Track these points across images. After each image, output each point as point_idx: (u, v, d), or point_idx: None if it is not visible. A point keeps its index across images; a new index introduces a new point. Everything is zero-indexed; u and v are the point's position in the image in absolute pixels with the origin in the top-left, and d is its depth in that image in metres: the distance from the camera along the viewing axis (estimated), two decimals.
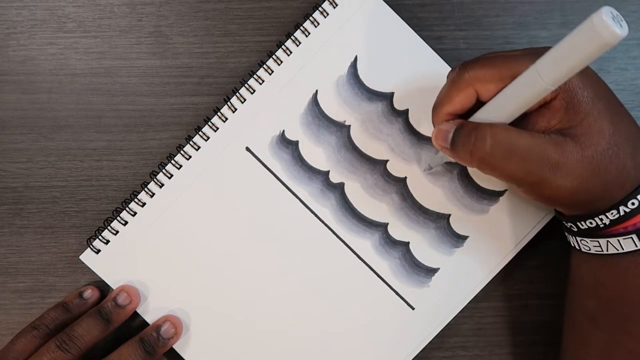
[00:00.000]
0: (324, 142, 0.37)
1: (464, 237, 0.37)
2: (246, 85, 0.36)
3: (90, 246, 0.36)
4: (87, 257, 0.36)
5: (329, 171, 0.37)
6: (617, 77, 0.37)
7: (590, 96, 0.28)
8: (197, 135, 0.36)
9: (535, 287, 0.38)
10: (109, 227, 0.36)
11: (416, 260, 0.37)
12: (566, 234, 0.33)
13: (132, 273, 0.36)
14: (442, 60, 0.36)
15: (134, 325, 0.37)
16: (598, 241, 0.29)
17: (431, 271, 0.37)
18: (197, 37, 0.38)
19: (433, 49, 0.36)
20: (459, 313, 0.36)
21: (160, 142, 0.38)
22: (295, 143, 0.37)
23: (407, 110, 0.37)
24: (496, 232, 0.36)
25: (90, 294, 0.36)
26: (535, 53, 0.26)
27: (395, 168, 0.37)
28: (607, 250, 0.29)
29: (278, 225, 0.37)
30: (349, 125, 0.37)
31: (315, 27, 0.36)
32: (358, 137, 0.37)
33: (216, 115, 0.36)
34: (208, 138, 0.36)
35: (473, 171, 0.36)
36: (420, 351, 0.37)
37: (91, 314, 0.35)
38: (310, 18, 0.36)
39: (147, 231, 0.36)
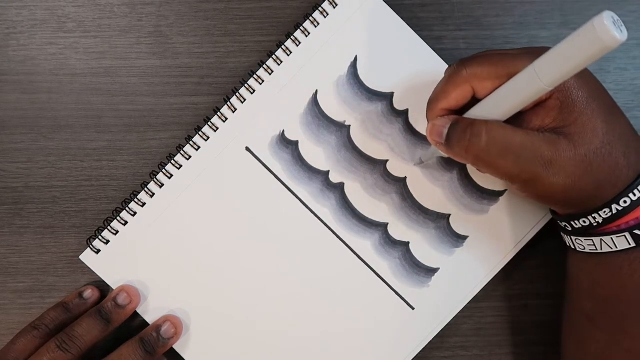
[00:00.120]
0: (324, 142, 0.37)
1: (464, 237, 0.37)
2: (246, 85, 0.36)
3: (90, 246, 0.36)
4: (87, 257, 0.36)
5: (329, 171, 0.37)
6: (617, 77, 0.38)
7: (584, 96, 0.28)
8: (197, 135, 0.36)
9: (535, 287, 0.38)
10: (109, 227, 0.36)
11: (416, 260, 0.37)
12: (562, 234, 0.33)
13: (132, 273, 0.36)
14: (442, 60, 0.36)
15: (134, 325, 0.37)
16: (592, 240, 0.30)
17: (431, 271, 0.37)
18: (197, 37, 0.38)
19: (433, 49, 0.36)
20: (459, 313, 0.36)
21: (160, 142, 0.38)
22: (295, 143, 0.37)
23: (407, 110, 0.37)
24: (496, 232, 0.36)
25: (90, 294, 0.36)
26: (533, 52, 0.26)
27: (395, 168, 0.37)
28: (602, 249, 0.29)
29: (278, 225, 0.37)
30: (349, 125, 0.37)
31: (315, 27, 0.36)
32: (358, 137, 0.37)
33: (216, 115, 0.36)
34: (208, 138, 0.36)
35: (473, 171, 0.36)
36: (420, 351, 0.37)
37: (91, 314, 0.35)
38: (310, 18, 0.36)
39: (147, 231, 0.36)
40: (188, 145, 0.36)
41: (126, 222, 0.36)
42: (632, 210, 0.28)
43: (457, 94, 0.30)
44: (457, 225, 0.37)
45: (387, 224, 0.37)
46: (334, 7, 0.36)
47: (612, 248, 0.29)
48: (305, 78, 0.36)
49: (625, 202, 0.28)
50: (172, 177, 0.36)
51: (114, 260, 0.36)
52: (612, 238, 0.29)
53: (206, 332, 0.36)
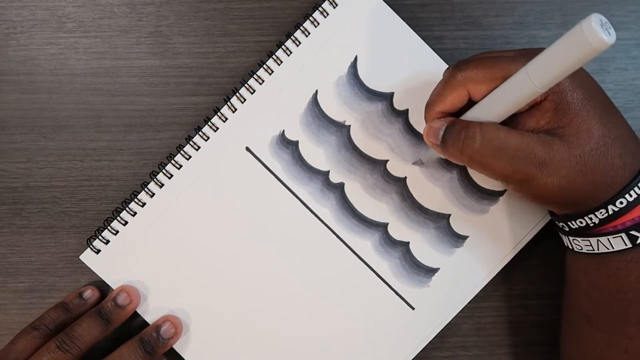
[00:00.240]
0: (324, 142, 0.37)
1: (464, 237, 0.37)
2: (246, 85, 0.36)
3: (90, 246, 0.36)
4: (87, 257, 0.36)
5: (329, 171, 0.37)
6: (617, 77, 0.38)
7: (579, 98, 0.28)
8: (197, 135, 0.36)
9: (535, 287, 0.38)
10: (109, 227, 0.36)
11: (416, 260, 0.37)
12: (560, 234, 0.33)
13: (132, 273, 0.36)
14: (442, 60, 0.36)
15: (134, 325, 0.37)
16: (589, 240, 0.30)
17: (431, 271, 0.37)
18: (197, 37, 0.38)
19: (433, 49, 0.36)
20: (459, 313, 0.36)
21: (160, 142, 0.38)
22: (295, 143, 0.37)
23: (407, 110, 0.37)
24: (496, 232, 0.36)
25: (90, 294, 0.36)
26: (528, 54, 0.27)
27: (395, 168, 0.37)
28: (598, 249, 0.29)
29: (278, 226, 0.37)
30: (349, 125, 0.37)
31: (315, 27, 0.36)
32: (358, 137, 0.37)
33: (216, 115, 0.36)
34: (208, 138, 0.36)
35: (473, 171, 0.36)
36: (420, 351, 0.37)
37: (91, 314, 0.35)
38: (310, 18, 0.36)
39: (147, 231, 0.36)
40: (188, 145, 0.36)
41: (126, 222, 0.36)
42: (628, 211, 0.28)
43: (453, 97, 0.30)
44: (457, 225, 0.37)
45: (387, 224, 0.37)
46: (334, 7, 0.36)
47: (608, 248, 0.29)
48: (305, 78, 0.36)
49: (621, 202, 0.28)
50: (172, 177, 0.36)
51: (114, 260, 0.36)
52: (608, 238, 0.29)
53: (206, 332, 0.36)
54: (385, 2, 0.36)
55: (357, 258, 0.37)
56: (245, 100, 0.36)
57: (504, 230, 0.36)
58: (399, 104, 0.37)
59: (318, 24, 0.36)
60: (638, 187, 0.28)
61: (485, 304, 0.38)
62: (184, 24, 0.38)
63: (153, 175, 0.37)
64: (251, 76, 0.36)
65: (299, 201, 0.37)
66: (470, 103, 0.31)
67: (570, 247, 0.32)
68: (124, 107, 0.38)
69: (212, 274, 0.36)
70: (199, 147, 0.36)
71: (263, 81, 0.36)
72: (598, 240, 0.29)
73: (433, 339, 0.37)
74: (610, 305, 0.30)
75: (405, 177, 0.37)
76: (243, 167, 0.36)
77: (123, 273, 0.36)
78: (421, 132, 0.36)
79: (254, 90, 0.36)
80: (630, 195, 0.28)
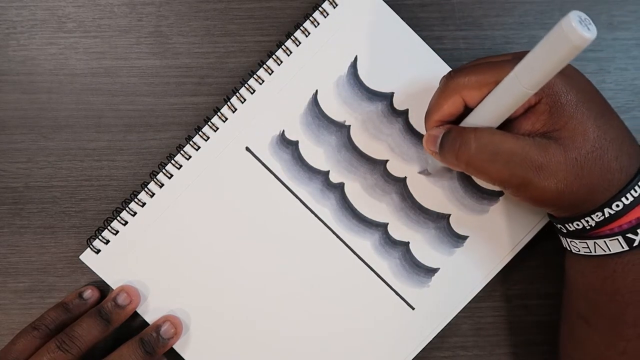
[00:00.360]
0: (324, 142, 0.37)
1: (464, 237, 0.37)
2: (246, 85, 0.36)
3: (90, 246, 0.36)
4: (87, 257, 0.36)
5: (329, 171, 0.37)
6: (617, 77, 0.38)
7: (573, 99, 0.28)
8: (197, 135, 0.36)
9: (535, 287, 0.38)
10: (109, 227, 0.36)
11: (416, 260, 0.37)
12: (559, 235, 0.33)
13: (132, 273, 0.36)
14: (442, 60, 0.36)
15: (134, 325, 0.37)
16: (586, 242, 0.30)
17: (431, 271, 0.37)
18: (197, 37, 0.38)
19: (433, 49, 0.36)
20: (459, 313, 0.36)
21: (160, 142, 0.38)
22: (295, 143, 0.37)
23: (407, 110, 0.37)
24: (496, 232, 0.36)
25: (90, 294, 0.36)
26: (520, 57, 0.26)
27: (395, 168, 0.37)
28: (595, 252, 0.29)
29: (278, 226, 0.37)
30: (349, 125, 0.37)
31: (315, 27, 0.36)
32: (358, 137, 0.37)
33: (216, 115, 0.36)
34: (208, 138, 0.36)
35: None
36: (420, 351, 0.37)
37: (91, 314, 0.35)
38: (310, 18, 0.36)
39: (147, 231, 0.36)
40: (188, 145, 0.36)
41: (126, 222, 0.36)
42: (625, 213, 0.28)
43: (448, 105, 0.31)
44: (457, 225, 0.37)
45: (387, 224, 0.37)
46: (334, 7, 0.36)
47: (605, 251, 0.29)
48: (305, 78, 0.36)
49: (617, 205, 0.28)
50: (172, 177, 0.36)
51: (114, 260, 0.36)
52: (605, 241, 0.29)
53: (206, 332, 0.36)
54: (385, 2, 0.36)
55: (357, 258, 0.37)
56: (245, 100, 0.36)
57: (503, 231, 0.36)
58: (399, 104, 0.37)
59: (318, 24, 0.36)
60: (634, 190, 0.28)
61: (485, 304, 0.38)
62: (184, 24, 0.38)
63: (153, 175, 0.37)
64: (251, 76, 0.36)
65: (299, 201, 0.37)
66: (469, 110, 0.31)
67: (569, 248, 0.32)
68: (124, 107, 0.38)
69: (212, 274, 0.36)
70: (199, 147, 0.36)
71: (263, 81, 0.36)
72: (595, 242, 0.29)
73: (433, 339, 0.37)
74: (608, 307, 0.30)
75: (405, 177, 0.37)
76: (243, 167, 0.36)
77: (123, 273, 0.36)
78: (421, 132, 0.36)
79: (254, 90, 0.36)
80: (627, 199, 0.28)
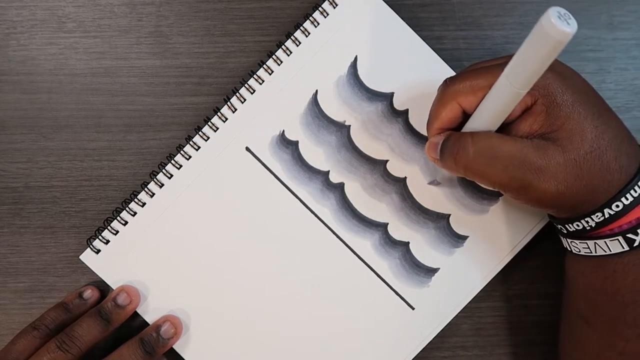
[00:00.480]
0: (324, 142, 0.37)
1: (464, 237, 0.37)
2: (246, 85, 0.36)
3: (90, 246, 0.36)
4: (87, 257, 0.36)
5: (329, 171, 0.37)
6: (617, 77, 0.38)
7: (570, 100, 0.28)
8: (197, 135, 0.36)
9: (535, 287, 0.38)
10: (109, 227, 0.36)
11: (416, 260, 0.37)
12: (559, 235, 0.33)
13: (132, 273, 0.36)
14: (442, 60, 0.36)
15: (134, 325, 0.37)
16: (587, 243, 0.30)
17: (431, 271, 0.37)
18: (197, 37, 0.38)
19: (433, 49, 0.36)
20: (459, 313, 0.36)
21: (160, 142, 0.38)
22: (295, 143, 0.37)
23: (407, 110, 0.37)
24: (496, 232, 0.36)
25: (90, 294, 0.36)
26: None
27: (395, 168, 0.37)
28: (596, 252, 0.29)
29: (278, 226, 0.37)
30: (349, 125, 0.37)
31: (315, 27, 0.36)
32: (358, 137, 0.37)
33: (216, 115, 0.36)
34: (208, 138, 0.36)
35: None
36: (420, 351, 0.37)
37: (91, 314, 0.35)
38: (310, 18, 0.36)
39: (147, 231, 0.36)
40: (188, 145, 0.36)
41: (126, 222, 0.36)
42: (625, 214, 0.28)
43: (446, 112, 0.31)
44: (457, 225, 0.37)
45: (387, 224, 0.37)
46: (334, 7, 0.36)
47: (605, 251, 0.29)
48: (305, 78, 0.36)
49: (617, 206, 0.28)
50: (172, 177, 0.36)
51: (114, 260, 0.36)
52: (605, 241, 0.29)
53: (206, 332, 0.36)
54: (385, 2, 0.36)
55: (357, 258, 0.37)
56: (245, 100, 0.36)
57: (503, 231, 0.36)
58: (399, 104, 0.37)
59: (318, 24, 0.36)
60: (634, 190, 0.28)
61: (485, 304, 0.38)
62: (184, 24, 0.38)
63: (153, 175, 0.37)
64: (251, 76, 0.36)
65: (299, 201, 0.37)
66: (468, 116, 0.31)
67: (569, 249, 0.32)
68: (124, 107, 0.38)
69: (212, 274, 0.36)
70: (199, 147, 0.36)
71: (263, 81, 0.36)
72: (595, 242, 0.29)
73: (433, 339, 0.37)
74: (607, 307, 0.30)
75: (405, 177, 0.37)
76: (243, 167, 0.36)
77: (123, 273, 0.36)
78: (421, 132, 0.36)
79: (254, 90, 0.36)
80: (627, 199, 0.28)
